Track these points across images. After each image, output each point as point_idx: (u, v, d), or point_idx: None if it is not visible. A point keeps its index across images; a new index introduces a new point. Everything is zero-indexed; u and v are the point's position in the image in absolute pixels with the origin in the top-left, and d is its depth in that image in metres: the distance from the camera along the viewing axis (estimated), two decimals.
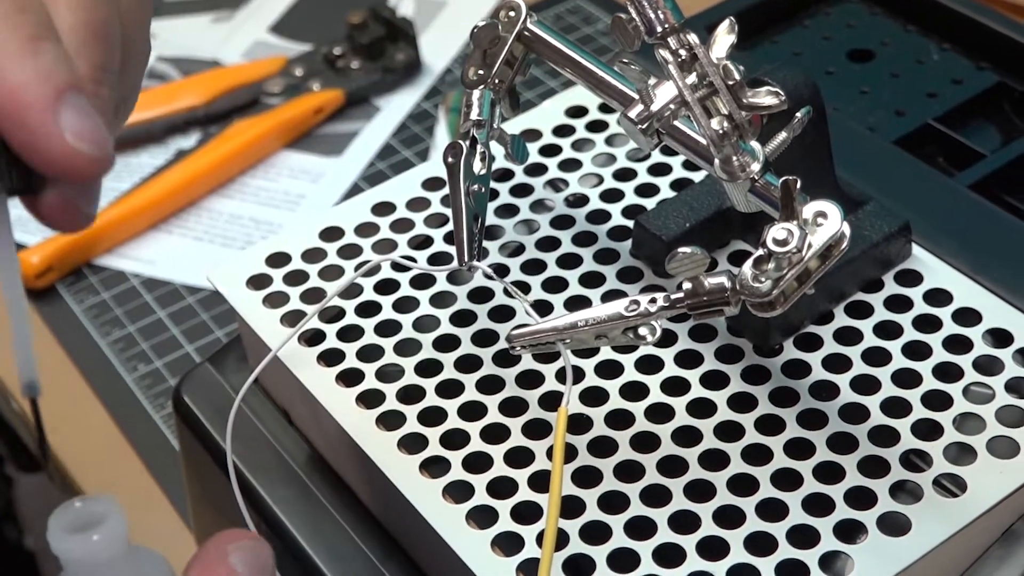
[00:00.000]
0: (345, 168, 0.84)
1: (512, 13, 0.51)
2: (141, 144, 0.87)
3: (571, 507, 0.45)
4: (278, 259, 0.55)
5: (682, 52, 0.43)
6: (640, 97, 0.45)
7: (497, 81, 0.51)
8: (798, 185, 0.42)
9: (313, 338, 0.52)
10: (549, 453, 0.47)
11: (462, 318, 0.52)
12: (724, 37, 0.43)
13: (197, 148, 0.84)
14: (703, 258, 0.42)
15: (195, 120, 0.87)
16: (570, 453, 0.47)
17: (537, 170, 0.58)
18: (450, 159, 0.49)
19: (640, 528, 0.45)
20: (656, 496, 0.45)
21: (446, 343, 0.51)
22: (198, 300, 0.77)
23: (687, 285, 0.43)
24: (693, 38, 0.43)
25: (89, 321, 0.76)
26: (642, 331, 0.44)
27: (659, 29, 0.43)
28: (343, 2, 0.97)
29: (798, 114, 0.44)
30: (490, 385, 0.49)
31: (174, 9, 0.98)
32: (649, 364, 0.49)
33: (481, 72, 0.51)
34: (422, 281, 0.54)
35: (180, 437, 0.61)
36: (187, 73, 0.92)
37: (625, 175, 0.57)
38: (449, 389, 0.49)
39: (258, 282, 0.54)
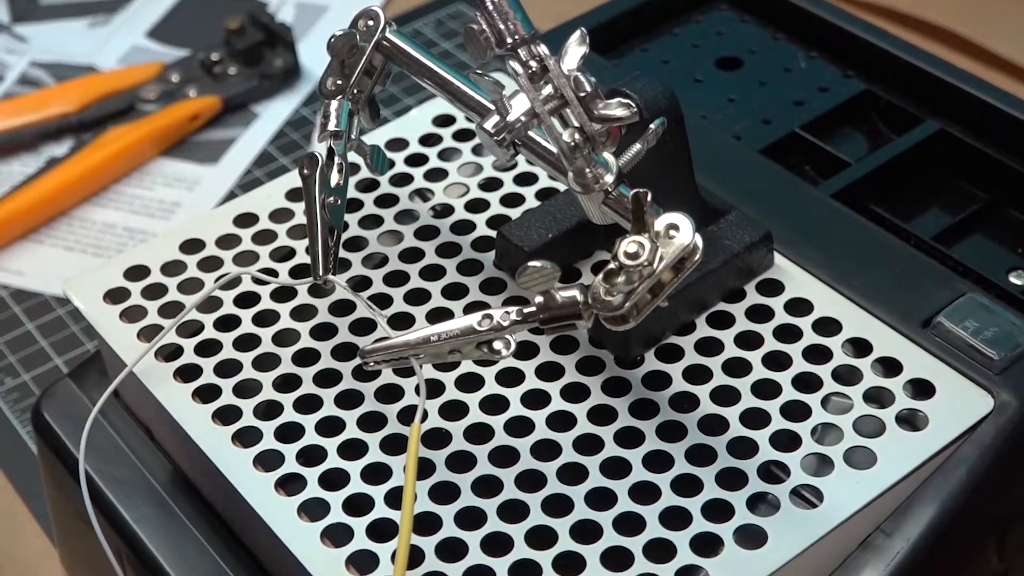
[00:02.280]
0: (221, 176, 0.82)
1: (371, 22, 0.50)
2: (11, 152, 0.85)
3: (428, 523, 0.44)
4: (137, 272, 0.54)
5: (532, 64, 0.43)
6: (496, 108, 0.45)
7: (356, 91, 0.50)
8: (649, 197, 0.41)
9: (171, 354, 0.51)
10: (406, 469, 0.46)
11: (322, 331, 0.51)
12: (575, 48, 0.43)
13: (70, 156, 0.82)
14: (553, 272, 0.42)
15: (68, 127, 0.85)
16: (428, 468, 0.46)
17: (403, 180, 0.57)
18: (305, 171, 0.48)
19: (497, 543, 0.44)
20: (514, 511, 0.45)
21: (306, 357, 0.50)
22: (68, 312, 0.75)
23: (539, 299, 0.43)
24: (543, 49, 0.43)
25: None
26: (496, 345, 0.44)
27: (509, 40, 0.43)
28: (221, 7, 0.96)
29: (652, 125, 0.44)
30: (349, 400, 0.49)
31: (49, 13, 0.96)
32: (510, 377, 0.49)
33: (339, 82, 0.50)
34: (284, 294, 0.53)
35: (40, 453, 0.59)
36: (61, 79, 0.90)
37: (491, 185, 0.56)
38: (307, 404, 0.49)
39: (116, 296, 0.53)
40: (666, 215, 0.42)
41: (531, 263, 0.42)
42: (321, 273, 0.47)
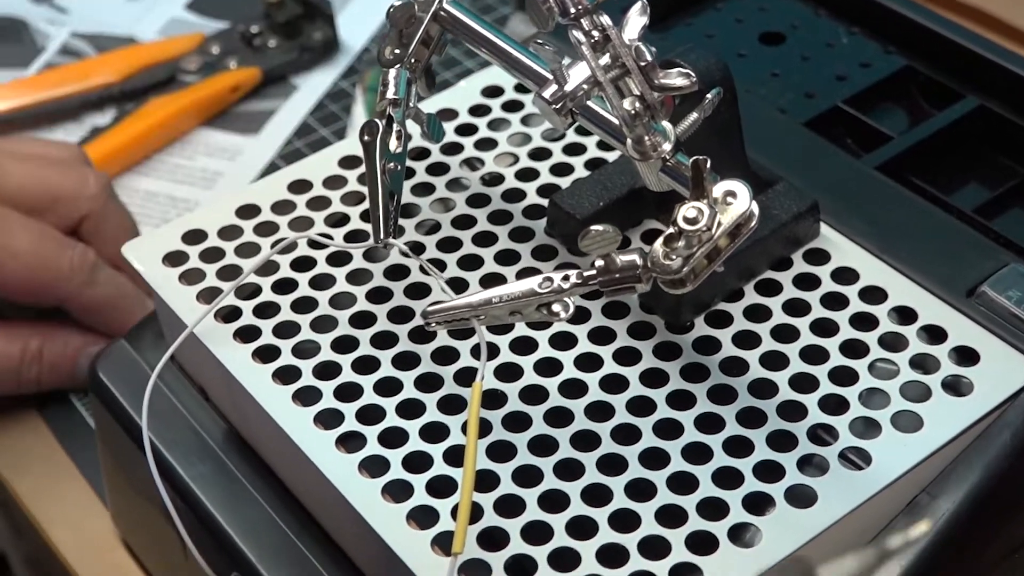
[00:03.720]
0: (262, 146, 0.84)
1: None
2: (55, 121, 0.86)
3: (486, 481, 0.46)
4: (194, 236, 0.55)
5: (595, 33, 0.44)
6: (554, 77, 0.46)
7: (413, 60, 0.51)
8: (708, 165, 0.42)
9: (230, 315, 0.52)
10: (464, 428, 0.47)
11: (378, 295, 0.52)
12: (636, 19, 0.44)
13: (112, 125, 0.83)
14: (615, 235, 0.43)
15: (110, 97, 0.86)
16: (485, 428, 0.47)
17: (453, 149, 0.58)
18: (366, 137, 0.49)
19: (554, 501, 0.45)
20: (569, 470, 0.46)
21: (362, 320, 0.51)
22: None
23: (599, 262, 0.44)
24: (606, 19, 0.44)
25: None
26: (555, 308, 0.45)
27: (572, 10, 0.44)
28: None
29: (709, 95, 0.45)
30: (406, 361, 0.50)
31: None
32: (563, 340, 0.50)
33: (397, 51, 0.51)
34: (339, 259, 0.54)
35: (96, 415, 0.61)
36: (102, 50, 0.91)
37: (540, 154, 0.57)
38: (365, 365, 0.50)
39: (174, 259, 0.54)
40: (724, 182, 0.43)
41: (594, 227, 0.43)
42: (382, 236, 0.48)
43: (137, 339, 0.60)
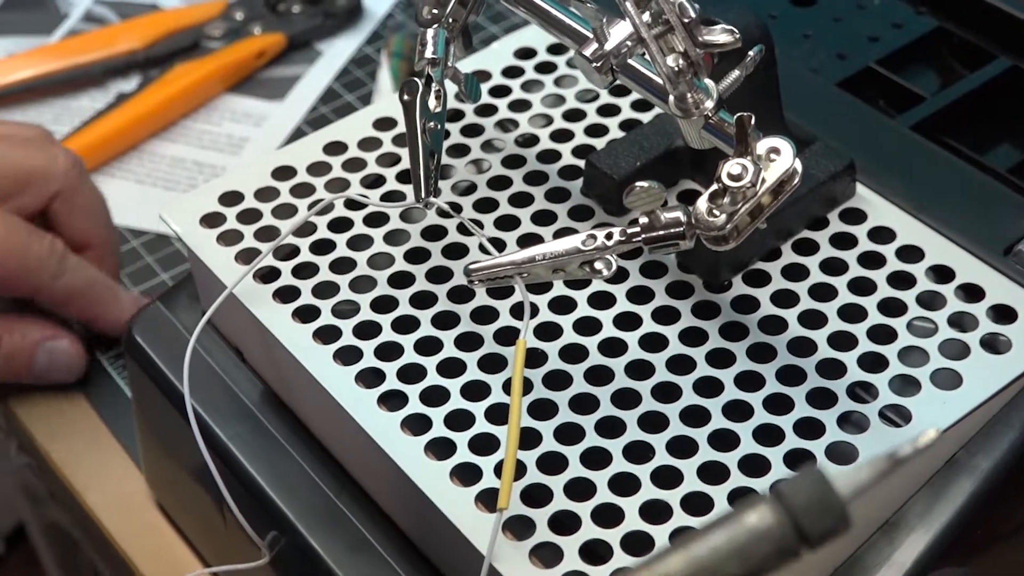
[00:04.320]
0: (288, 112, 0.84)
1: None
2: (80, 87, 0.86)
3: (528, 439, 0.46)
4: (231, 197, 0.55)
5: None
6: (595, 35, 0.46)
7: (451, 20, 0.51)
8: (752, 121, 0.43)
9: (268, 275, 0.52)
10: (505, 387, 0.48)
11: (416, 255, 0.52)
12: None
13: (138, 91, 0.83)
14: (660, 192, 0.43)
15: (135, 63, 0.86)
16: (526, 387, 0.47)
17: (487, 110, 0.58)
18: (406, 97, 0.50)
19: (595, 459, 0.46)
20: (611, 428, 0.46)
21: (401, 280, 0.52)
22: (142, 243, 0.77)
23: (643, 219, 0.44)
24: None
25: None
26: (598, 265, 0.45)
27: None
28: None
29: (751, 52, 0.45)
30: (445, 321, 0.50)
31: None
32: (601, 300, 0.50)
33: (435, 11, 0.51)
34: (375, 219, 0.54)
35: (131, 376, 0.61)
36: (125, 16, 0.91)
37: (574, 116, 0.57)
38: (405, 325, 0.50)
39: (211, 220, 0.55)
40: (768, 139, 0.43)
41: (639, 183, 0.43)
42: (424, 195, 0.48)
43: (171, 300, 0.60)
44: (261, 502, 0.53)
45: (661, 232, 0.44)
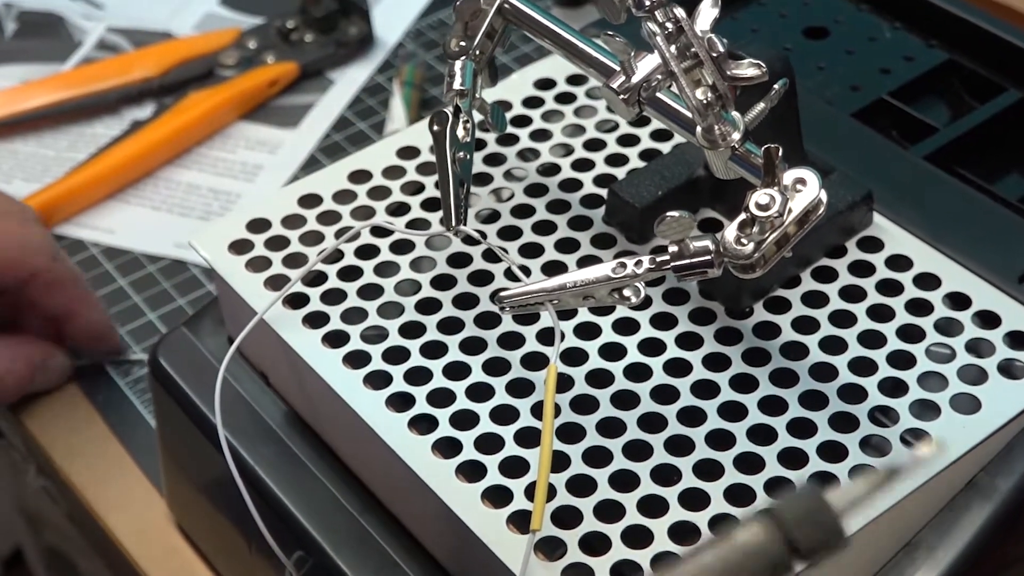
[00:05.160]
0: (301, 139, 0.85)
1: None
2: (94, 114, 0.87)
3: (557, 462, 0.47)
4: (258, 225, 0.56)
5: (668, 25, 0.45)
6: (622, 68, 0.47)
7: (478, 52, 0.53)
8: (780, 153, 0.44)
9: (296, 301, 0.53)
10: (533, 411, 0.49)
11: (442, 282, 0.53)
12: (708, 11, 0.45)
13: (152, 119, 0.84)
14: (691, 222, 0.44)
15: (149, 91, 0.87)
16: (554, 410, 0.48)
17: (509, 140, 0.59)
18: (435, 127, 0.51)
19: (623, 481, 0.47)
20: (638, 451, 0.47)
21: (428, 306, 0.53)
22: (159, 269, 0.78)
23: (673, 248, 0.45)
24: (680, 12, 0.45)
25: None
26: (627, 292, 0.46)
27: (647, 2, 0.45)
28: None
29: (775, 86, 0.46)
30: (473, 346, 0.51)
31: None
32: (626, 326, 0.51)
33: (463, 43, 0.52)
34: (401, 246, 0.55)
35: (156, 400, 0.62)
36: (138, 44, 0.92)
37: (595, 145, 0.59)
38: (433, 350, 0.51)
39: (240, 247, 0.56)
40: (794, 170, 0.44)
41: (670, 213, 0.44)
42: (454, 223, 0.49)
43: (196, 325, 0.61)
44: (288, 524, 0.54)
45: (690, 260, 0.45)
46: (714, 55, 0.45)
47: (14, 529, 0.90)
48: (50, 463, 0.70)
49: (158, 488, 0.67)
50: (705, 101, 0.45)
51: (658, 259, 0.45)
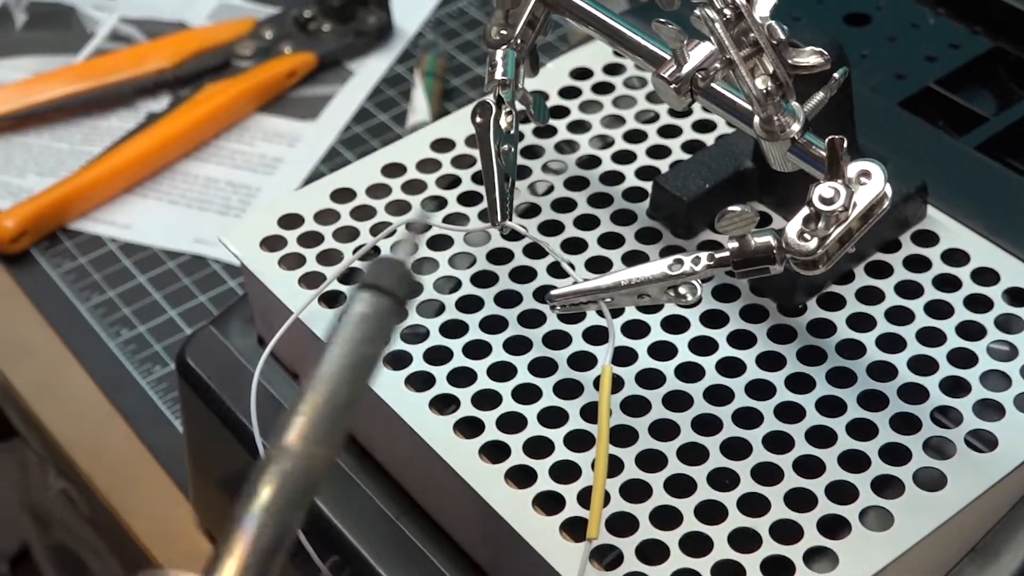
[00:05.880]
0: (321, 131, 0.83)
1: None
2: (109, 107, 0.85)
3: (611, 466, 0.45)
4: (291, 220, 0.55)
5: (727, 11, 0.43)
6: (673, 56, 0.45)
7: (519, 41, 0.51)
8: (845, 145, 0.42)
9: (332, 299, 0.52)
10: (583, 412, 0.47)
11: (483, 279, 0.52)
12: None
13: (168, 111, 0.83)
14: (753, 216, 0.43)
15: (165, 83, 0.86)
16: None
17: (547, 132, 0.58)
18: (479, 119, 0.49)
19: (680, 486, 0.45)
20: (693, 454, 0.46)
21: (470, 304, 0.51)
22: (178, 264, 0.76)
23: (733, 244, 0.43)
24: None
25: (67, 286, 0.75)
26: (682, 290, 0.45)
27: None
28: None
29: (835, 74, 0.44)
30: (518, 346, 0.49)
31: None
32: (675, 324, 0.50)
33: (504, 32, 0.51)
34: (439, 242, 0.53)
35: (183, 401, 0.60)
36: (152, 35, 0.90)
37: (636, 137, 0.57)
38: (477, 350, 0.49)
39: (272, 243, 0.54)
40: (858, 162, 0.43)
41: (731, 207, 0.43)
42: (500, 219, 0.48)
43: (224, 324, 0.59)
44: (323, 528, 0.52)
45: (751, 256, 0.43)
46: (774, 43, 0.43)
47: (21, 527, 0.89)
48: (71, 465, 0.68)
49: (182, 490, 0.66)
50: (765, 91, 0.43)
51: (717, 255, 0.44)
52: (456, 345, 0.49)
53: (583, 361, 0.49)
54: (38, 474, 0.81)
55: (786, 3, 0.64)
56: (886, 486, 0.45)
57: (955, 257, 0.51)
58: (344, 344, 0.35)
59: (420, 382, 0.49)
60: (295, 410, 0.35)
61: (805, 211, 0.42)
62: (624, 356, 0.49)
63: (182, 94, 0.85)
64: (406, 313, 0.36)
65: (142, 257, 0.77)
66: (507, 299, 0.51)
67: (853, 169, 0.43)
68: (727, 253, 0.43)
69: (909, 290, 0.50)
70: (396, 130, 0.83)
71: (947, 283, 0.50)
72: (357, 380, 0.36)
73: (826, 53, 0.43)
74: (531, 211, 0.54)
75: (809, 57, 0.43)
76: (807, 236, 0.42)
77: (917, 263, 0.51)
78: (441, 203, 0.55)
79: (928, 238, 0.52)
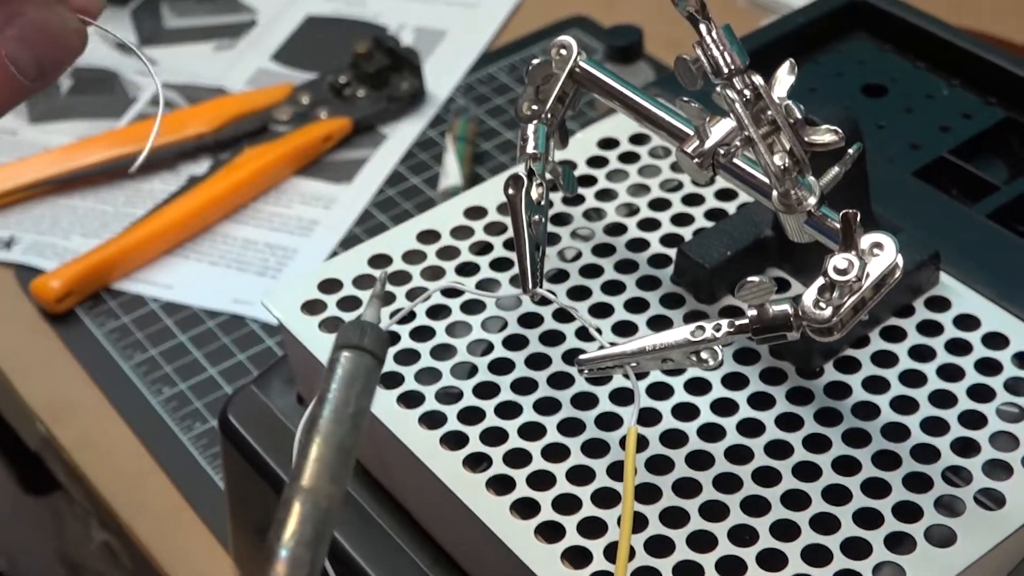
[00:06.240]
0: (356, 194, 0.86)
1: (563, 51, 0.53)
2: (152, 171, 0.88)
3: (635, 522, 0.47)
4: (330, 285, 0.57)
5: (747, 92, 0.46)
6: (697, 133, 0.48)
7: (550, 116, 0.53)
8: (858, 218, 0.44)
9: None
10: (609, 471, 0.49)
11: (514, 342, 0.54)
12: (785, 78, 0.46)
13: (209, 175, 0.86)
14: (771, 286, 0.45)
15: (205, 147, 0.89)
16: None
17: (575, 200, 0.60)
18: (511, 191, 0.51)
19: (701, 541, 0.47)
20: (714, 511, 0.48)
21: (501, 366, 0.53)
22: (218, 324, 0.78)
23: (752, 312, 0.46)
24: (758, 79, 0.46)
25: (111, 345, 0.78)
26: (704, 355, 0.47)
27: (726, 69, 0.46)
28: (339, 32, 1.00)
29: (850, 150, 0.47)
30: (547, 406, 0.52)
31: (175, 36, 1.00)
32: (698, 386, 0.52)
33: (535, 107, 0.53)
34: (472, 307, 0.56)
35: (225, 457, 0.63)
36: (192, 100, 0.93)
37: (660, 205, 0.59)
38: (508, 410, 0.52)
39: (312, 307, 0.56)
40: (870, 234, 0.45)
41: (750, 278, 0.45)
42: (531, 286, 0.50)
43: (265, 384, 0.61)
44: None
45: (770, 324, 0.45)
46: (791, 121, 0.45)
47: None
48: (114, 517, 0.71)
49: (220, 541, 0.68)
50: (783, 167, 0.45)
51: (737, 323, 0.46)
52: (488, 406, 0.52)
53: (609, 421, 0.51)
54: (77, 527, 0.84)
55: (806, 75, 0.67)
56: (899, 542, 0.47)
57: (966, 322, 0.53)
58: (342, 399, 0.41)
59: (453, 441, 0.51)
60: (306, 456, 0.40)
61: (820, 281, 0.45)
62: (649, 416, 0.51)
63: (222, 158, 0.88)
64: (383, 364, 0.42)
65: (183, 316, 0.79)
66: (537, 362, 0.53)
67: (866, 241, 0.45)
68: (747, 320, 0.46)
69: (922, 354, 0.52)
70: (428, 193, 0.85)
71: (959, 347, 0.52)
72: (356, 428, 0.41)
73: (840, 131, 0.45)
74: (560, 276, 0.57)
75: (824, 135, 0.45)
76: (822, 305, 0.45)
77: (930, 328, 0.53)
78: (474, 268, 0.57)
79: (941, 304, 0.54)
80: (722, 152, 0.46)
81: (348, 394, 0.41)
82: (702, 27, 0.46)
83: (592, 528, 0.48)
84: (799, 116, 0.45)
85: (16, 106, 0.41)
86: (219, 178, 0.85)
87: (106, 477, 0.72)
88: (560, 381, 0.52)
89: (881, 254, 0.45)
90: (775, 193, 0.46)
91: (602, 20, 0.96)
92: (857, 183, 0.53)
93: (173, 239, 0.83)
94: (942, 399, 0.51)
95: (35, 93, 0.44)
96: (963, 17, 0.72)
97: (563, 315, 0.55)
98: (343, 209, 0.85)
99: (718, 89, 0.46)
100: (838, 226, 0.45)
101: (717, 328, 0.46)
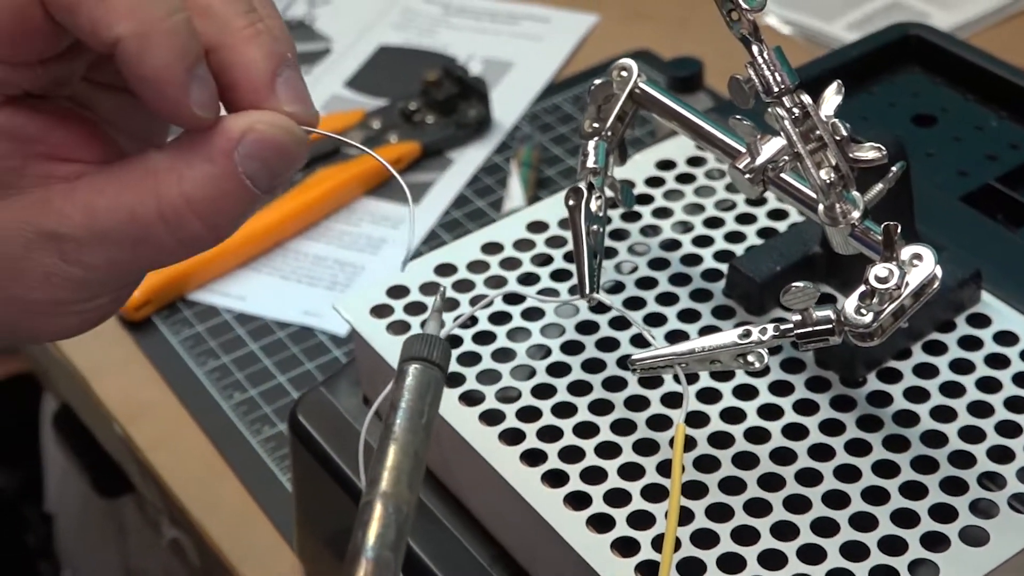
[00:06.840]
0: (423, 215, 0.89)
1: (624, 73, 0.56)
2: None
3: (682, 516, 0.50)
4: (398, 291, 0.60)
5: (795, 110, 0.48)
6: (748, 150, 0.50)
7: (610, 133, 0.56)
8: (899, 230, 0.47)
9: None
10: (659, 468, 0.52)
11: (571, 347, 0.57)
12: (832, 98, 0.49)
13: (283, 194, 0.89)
14: (815, 292, 0.48)
15: None
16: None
17: (632, 216, 0.63)
18: (571, 202, 0.54)
19: (744, 535, 0.50)
20: (758, 508, 0.50)
21: (558, 369, 0.56)
22: (288, 335, 0.82)
23: (796, 316, 0.48)
24: (806, 98, 0.48)
25: (185, 352, 0.81)
26: (751, 358, 0.50)
27: (776, 89, 0.48)
28: (410, 61, 1.03)
29: (893, 168, 0.49)
30: (601, 407, 0.54)
31: None
32: (745, 392, 0.54)
33: (596, 125, 0.56)
34: (532, 314, 0.59)
35: (294, 456, 0.66)
36: None
37: (714, 223, 0.62)
38: (564, 410, 0.54)
39: (381, 311, 0.59)
40: (911, 246, 0.48)
41: (795, 283, 0.48)
42: (588, 291, 0.53)
43: (333, 386, 0.65)
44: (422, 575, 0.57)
45: (813, 328, 0.48)
46: (837, 138, 0.48)
47: None
48: (185, 515, 0.74)
49: (287, 540, 0.71)
50: (828, 181, 0.48)
51: (782, 327, 0.48)
52: (545, 406, 0.55)
53: (660, 423, 0.54)
54: (142, 534, 0.87)
55: (859, 104, 0.70)
56: (934, 541, 0.49)
57: (1005, 338, 0.56)
58: (416, 408, 0.44)
59: (511, 438, 0.54)
60: (383, 462, 0.43)
61: (862, 288, 0.47)
62: (697, 419, 0.53)
63: (296, 178, 0.91)
64: (445, 377, 0.45)
65: (255, 327, 0.83)
66: (592, 366, 0.56)
67: (907, 252, 0.48)
68: (791, 325, 0.48)
69: (962, 367, 0.55)
70: (492, 215, 0.88)
71: (997, 361, 0.55)
72: (428, 437, 0.44)
73: (883, 148, 0.48)
74: (616, 288, 0.60)
75: (868, 152, 0.48)
76: (863, 311, 0.47)
77: (970, 343, 0.56)
78: (535, 278, 0.60)
79: (981, 320, 0.56)
80: (771, 168, 0.49)
81: (421, 405, 0.44)
82: (754, 48, 0.49)
83: (640, 520, 0.50)
84: (844, 133, 0.48)
85: (249, 216, 0.43)
86: (292, 197, 0.89)
87: (178, 476, 0.75)
88: (614, 384, 0.55)
89: (920, 264, 0.47)
90: (821, 207, 0.49)
91: (665, 54, 0.99)
92: (901, 200, 0.55)
93: (247, 254, 0.87)
94: (980, 409, 0.53)
95: (265, 202, 0.47)
96: (1014, 54, 0.75)
97: (618, 323, 0.57)
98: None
99: (769, 109, 0.49)
100: (880, 239, 0.48)
101: (763, 331, 0.49)
